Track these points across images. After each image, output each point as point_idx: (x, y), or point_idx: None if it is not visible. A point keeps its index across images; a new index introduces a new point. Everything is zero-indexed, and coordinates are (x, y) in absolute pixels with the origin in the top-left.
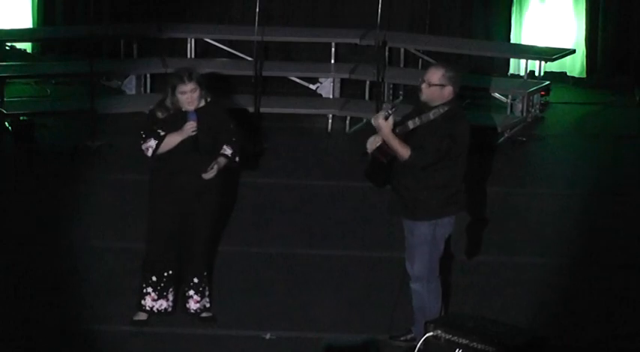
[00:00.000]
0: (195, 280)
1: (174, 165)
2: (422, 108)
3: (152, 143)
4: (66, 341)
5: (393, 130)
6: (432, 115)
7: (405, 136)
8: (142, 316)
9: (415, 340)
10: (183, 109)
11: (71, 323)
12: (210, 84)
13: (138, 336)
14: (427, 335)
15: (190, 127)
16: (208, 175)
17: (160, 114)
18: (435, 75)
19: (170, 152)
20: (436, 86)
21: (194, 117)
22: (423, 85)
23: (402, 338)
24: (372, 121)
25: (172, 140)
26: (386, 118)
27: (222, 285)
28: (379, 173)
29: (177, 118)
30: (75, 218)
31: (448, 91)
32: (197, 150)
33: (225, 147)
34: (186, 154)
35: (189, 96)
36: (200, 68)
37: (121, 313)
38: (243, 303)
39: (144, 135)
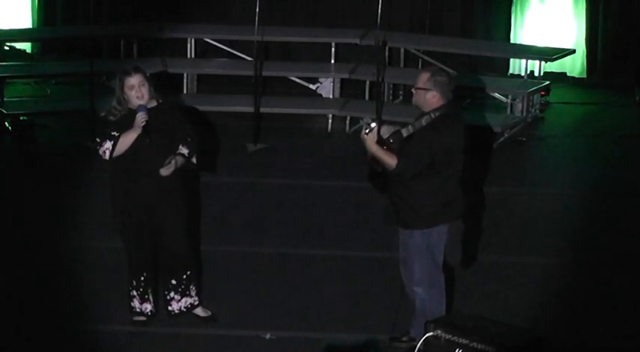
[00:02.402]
0: (174, 282)
1: (133, 171)
2: (419, 115)
3: (108, 145)
4: (66, 341)
5: (381, 141)
6: (423, 122)
7: (401, 144)
8: (142, 317)
9: (415, 341)
10: (134, 106)
11: (71, 323)
12: (157, 84)
13: (138, 336)
14: (427, 335)
15: (141, 118)
16: (165, 171)
17: (112, 118)
18: (421, 78)
19: (127, 156)
20: (420, 90)
21: (143, 110)
22: (412, 89)
23: (403, 339)
24: (360, 138)
25: (127, 138)
26: (367, 133)
27: (222, 285)
28: (378, 180)
29: (130, 117)
30: (75, 218)
31: (433, 97)
32: (149, 139)
33: (181, 147)
34: (143, 158)
35: (137, 90)
36: (200, 68)
37: (121, 313)
38: (243, 303)
39: (99, 140)
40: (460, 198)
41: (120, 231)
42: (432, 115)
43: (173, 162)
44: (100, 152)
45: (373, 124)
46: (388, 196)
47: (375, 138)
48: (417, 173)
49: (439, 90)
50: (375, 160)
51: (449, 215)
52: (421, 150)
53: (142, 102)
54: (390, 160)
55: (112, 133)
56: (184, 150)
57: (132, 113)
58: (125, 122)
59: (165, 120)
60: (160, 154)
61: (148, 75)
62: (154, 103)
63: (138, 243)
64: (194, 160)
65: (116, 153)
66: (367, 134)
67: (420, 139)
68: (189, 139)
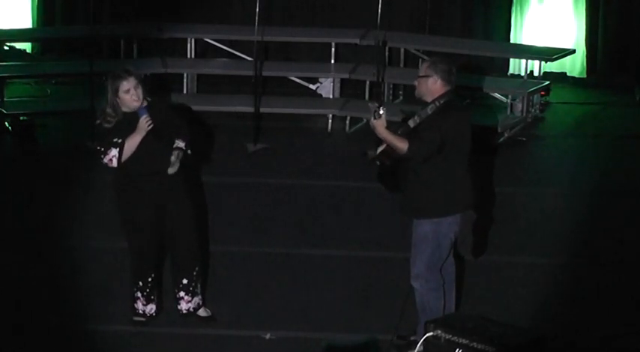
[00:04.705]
0: (185, 281)
1: (136, 171)
2: (423, 106)
3: (114, 152)
4: (66, 341)
5: (390, 128)
6: (429, 110)
7: (408, 135)
8: (142, 317)
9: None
10: (129, 109)
11: (71, 323)
12: (156, 83)
13: (138, 336)
14: (427, 335)
15: (145, 121)
16: (172, 169)
17: (107, 125)
18: (422, 67)
19: (130, 158)
20: (422, 78)
21: (145, 112)
22: (415, 81)
23: (412, 338)
24: (370, 124)
25: (132, 142)
26: (376, 118)
27: (223, 285)
28: (388, 177)
29: (126, 121)
30: (75, 218)
31: (435, 82)
32: (160, 139)
33: (177, 141)
34: (146, 158)
35: (133, 93)
36: (200, 68)
37: (121, 313)
38: (243, 303)
39: (102, 149)
40: (470, 187)
41: (127, 234)
42: (437, 103)
43: (177, 160)
44: (106, 160)
45: (382, 110)
46: (400, 187)
47: (385, 124)
48: (428, 156)
49: (440, 75)
50: (385, 154)
51: (460, 204)
52: (431, 132)
53: (138, 105)
54: (402, 144)
55: (115, 140)
56: (181, 144)
57: (126, 117)
58: (123, 127)
59: (159, 118)
60: (160, 152)
61: (141, 76)
62: (144, 103)
63: (148, 243)
64: (189, 152)
65: (123, 159)
66: (377, 119)
67: (429, 124)
68: (182, 131)
